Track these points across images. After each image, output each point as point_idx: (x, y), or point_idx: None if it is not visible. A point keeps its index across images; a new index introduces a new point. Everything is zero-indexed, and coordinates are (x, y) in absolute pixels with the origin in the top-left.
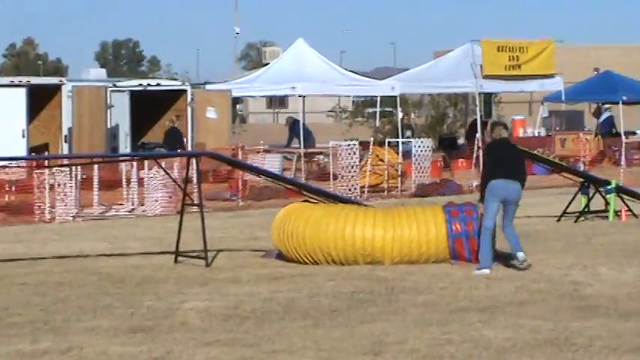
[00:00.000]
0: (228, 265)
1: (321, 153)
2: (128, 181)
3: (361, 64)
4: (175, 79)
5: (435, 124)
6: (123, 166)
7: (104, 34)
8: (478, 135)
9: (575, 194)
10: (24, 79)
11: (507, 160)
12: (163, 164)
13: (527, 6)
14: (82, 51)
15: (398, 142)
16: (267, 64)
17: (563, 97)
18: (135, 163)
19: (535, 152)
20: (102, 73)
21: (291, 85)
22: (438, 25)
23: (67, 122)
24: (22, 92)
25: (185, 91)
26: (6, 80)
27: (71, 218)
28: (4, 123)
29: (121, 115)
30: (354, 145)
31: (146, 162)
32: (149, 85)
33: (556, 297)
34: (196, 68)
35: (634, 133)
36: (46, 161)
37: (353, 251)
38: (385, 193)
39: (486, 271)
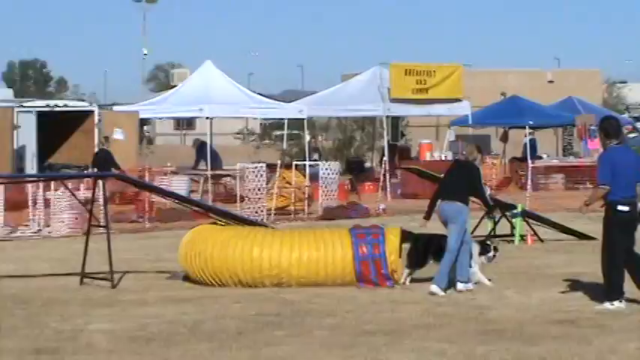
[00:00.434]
0: (135, 286)
1: (228, 175)
2: (34, 202)
3: (269, 87)
4: (83, 100)
5: (342, 147)
6: (29, 187)
7: (11, 54)
8: (385, 158)
9: (482, 218)
10: None
11: (448, 181)
12: (70, 185)
13: (435, 31)
14: None
15: (305, 164)
16: (174, 85)
17: (470, 121)
18: (41, 184)
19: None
20: (9, 93)
21: (199, 107)
22: (346, 48)
23: None
24: None
25: (92, 112)
26: None
27: None
28: None
29: (27, 135)
30: (262, 167)
31: (52, 183)
32: (56, 105)
33: (462, 320)
34: (104, 89)
35: (540, 158)
36: None
37: (259, 273)
38: (292, 215)
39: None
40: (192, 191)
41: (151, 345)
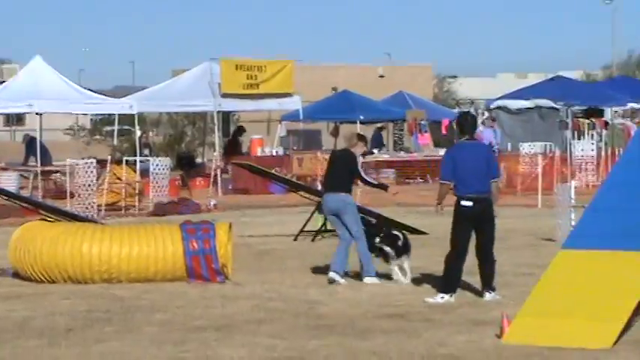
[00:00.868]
0: None
1: (58, 171)
2: None
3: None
4: None
5: (173, 143)
6: None
7: None
8: (215, 154)
9: (312, 213)
10: None
11: (329, 174)
12: None
13: (265, 26)
14: None
15: (136, 160)
16: (3, 81)
17: (301, 116)
18: None
19: (273, 171)
20: None
21: (28, 103)
22: (176, 43)
23: None
24: None
25: None
26: None
27: None
28: None
29: None
30: (92, 163)
31: None
32: None
33: (292, 315)
34: None
35: (371, 153)
36: None
37: (90, 269)
38: (123, 211)
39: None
40: (21, 187)
41: None
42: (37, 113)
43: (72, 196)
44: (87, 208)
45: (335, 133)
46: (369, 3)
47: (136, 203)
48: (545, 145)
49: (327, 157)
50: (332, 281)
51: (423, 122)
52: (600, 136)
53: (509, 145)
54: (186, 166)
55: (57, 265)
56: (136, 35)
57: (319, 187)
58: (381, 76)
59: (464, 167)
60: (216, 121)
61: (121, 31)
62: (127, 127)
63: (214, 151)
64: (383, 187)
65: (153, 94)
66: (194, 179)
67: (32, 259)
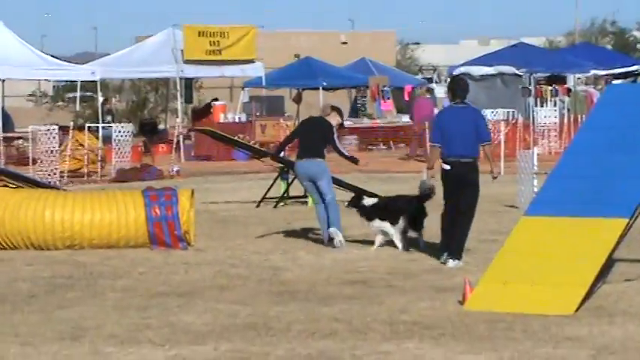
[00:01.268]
0: None
1: (20, 137)
2: None
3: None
4: None
5: (136, 109)
6: None
7: None
8: (178, 120)
9: (275, 180)
10: None
11: (303, 139)
12: None
13: None
14: None
15: (98, 127)
16: None
17: (263, 83)
18: None
19: (236, 138)
20: None
21: None
22: (139, 10)
23: None
24: None
25: None
26: None
27: None
28: None
29: None
30: (54, 129)
31: None
32: None
33: (255, 282)
34: None
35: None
36: None
37: (52, 235)
38: (85, 178)
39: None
40: None
41: None
42: None
43: (34, 162)
44: (49, 174)
45: (298, 99)
46: None
47: (99, 170)
48: (508, 112)
49: (289, 123)
50: (332, 239)
51: (385, 89)
52: (563, 102)
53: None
54: (149, 132)
55: (19, 232)
56: (99, 1)
57: (281, 154)
58: (344, 43)
59: (449, 131)
60: (178, 87)
61: None
62: (89, 94)
63: (177, 117)
64: (354, 160)
65: (115, 60)
66: (156, 146)
67: None
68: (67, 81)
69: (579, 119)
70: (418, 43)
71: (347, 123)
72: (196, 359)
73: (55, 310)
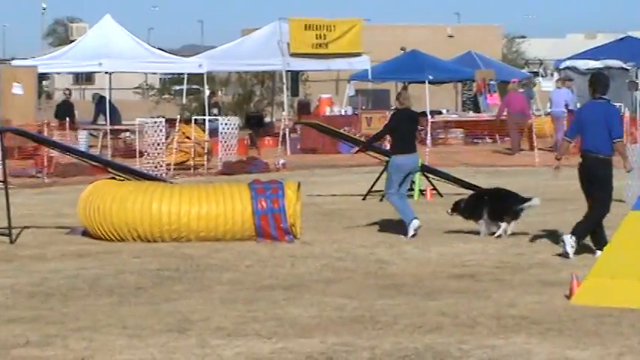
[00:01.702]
0: (34, 242)
1: (127, 130)
2: None
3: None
4: None
5: (242, 102)
6: None
7: None
8: (284, 114)
9: (381, 173)
10: None
11: (406, 132)
12: None
13: None
14: None
15: (205, 119)
16: (74, 40)
17: (370, 76)
18: None
19: (342, 131)
20: None
21: (98, 62)
22: (245, 3)
23: None
24: None
25: None
26: None
27: None
28: None
29: None
30: (161, 122)
31: None
32: None
33: (361, 275)
34: (2, 44)
35: (440, 113)
36: None
37: (159, 227)
38: (191, 170)
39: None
40: (91, 146)
41: (50, 300)
42: (106, 72)
43: (141, 155)
44: (156, 167)
45: None
46: None
47: (205, 162)
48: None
49: None
50: (417, 229)
51: (491, 82)
52: None
53: (578, 105)
54: (255, 125)
55: (126, 224)
56: None
57: (387, 147)
58: (450, 36)
59: (585, 125)
60: (284, 80)
61: None
62: (195, 87)
63: (283, 110)
64: None
65: (222, 53)
66: (263, 138)
67: (102, 218)
68: (173, 74)
69: None
70: (524, 37)
71: (453, 117)
72: (303, 352)
73: (162, 303)
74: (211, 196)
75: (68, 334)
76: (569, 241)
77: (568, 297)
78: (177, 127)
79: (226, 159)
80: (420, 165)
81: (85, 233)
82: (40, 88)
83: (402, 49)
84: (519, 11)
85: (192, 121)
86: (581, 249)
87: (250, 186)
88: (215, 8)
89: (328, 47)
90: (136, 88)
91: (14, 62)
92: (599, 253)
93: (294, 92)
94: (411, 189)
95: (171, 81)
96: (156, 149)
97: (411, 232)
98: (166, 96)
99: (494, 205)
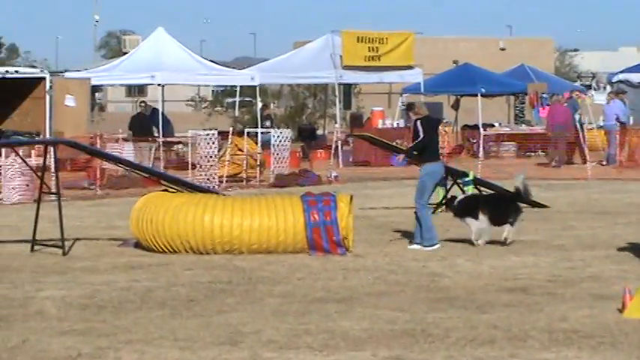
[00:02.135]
0: (86, 254)
1: (180, 142)
2: None
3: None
4: (34, 67)
5: (294, 115)
6: None
7: None
8: (336, 126)
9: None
10: None
11: (435, 141)
12: (21, 152)
13: None
14: None
15: (257, 132)
16: (126, 52)
17: (422, 89)
18: None
19: (394, 143)
20: None
21: (151, 74)
22: (297, 15)
23: None
24: None
25: (44, 78)
26: None
27: None
28: None
29: None
30: (213, 134)
31: (3, 150)
32: (7, 72)
33: (413, 288)
34: (56, 56)
35: (492, 126)
36: None
37: (211, 240)
38: (244, 182)
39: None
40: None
41: (102, 313)
42: (159, 84)
43: (193, 167)
44: (208, 179)
45: (456, 105)
46: None
47: (257, 174)
48: None
49: (447, 129)
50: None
51: (544, 95)
52: None
53: (631, 118)
54: (307, 137)
55: (179, 236)
56: (258, 7)
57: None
58: (502, 49)
59: None
60: (337, 93)
61: (242, 3)
62: (248, 99)
63: (335, 122)
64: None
65: (274, 65)
66: (315, 151)
67: (154, 230)
68: (226, 86)
69: None
70: (577, 50)
71: (505, 129)
72: None
73: (214, 315)
74: (263, 209)
75: (120, 346)
76: None
77: (620, 311)
78: (229, 140)
79: (278, 171)
80: (473, 177)
81: (137, 245)
82: (93, 100)
83: (454, 62)
84: (571, 24)
85: (245, 134)
86: (633, 262)
87: (302, 198)
88: (267, 21)
89: (380, 60)
90: (189, 100)
91: (67, 74)
92: None
93: (347, 105)
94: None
95: (223, 93)
96: (208, 161)
97: (430, 249)
98: (219, 108)
99: (494, 209)
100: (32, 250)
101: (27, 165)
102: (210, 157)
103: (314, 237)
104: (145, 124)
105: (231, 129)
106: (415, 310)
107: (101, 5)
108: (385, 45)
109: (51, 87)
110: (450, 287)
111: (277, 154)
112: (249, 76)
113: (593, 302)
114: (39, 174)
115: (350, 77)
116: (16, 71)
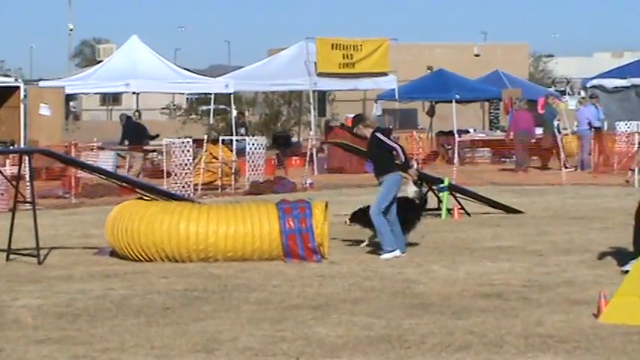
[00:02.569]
0: (61, 262)
1: (154, 150)
2: None
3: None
4: (8, 76)
5: (269, 122)
6: None
7: None
8: (311, 133)
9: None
10: None
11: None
12: None
13: (361, 5)
14: None
15: (232, 139)
16: (101, 61)
17: (396, 96)
18: None
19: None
20: None
21: (125, 82)
22: (272, 23)
23: None
24: None
25: (18, 87)
26: None
27: None
28: None
29: None
30: (188, 142)
31: None
32: None
33: (389, 295)
34: (30, 65)
35: (467, 132)
36: None
37: (187, 247)
38: (219, 190)
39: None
40: (118, 167)
41: (78, 321)
42: (133, 93)
43: (168, 175)
44: (183, 187)
45: (431, 112)
46: None
47: (232, 182)
48: None
49: (422, 136)
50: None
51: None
52: None
53: (605, 124)
54: (282, 145)
55: (154, 244)
56: (232, 14)
57: (415, 166)
58: (477, 55)
59: None
60: (312, 100)
61: (216, 10)
62: (222, 107)
63: (310, 130)
64: None
65: (249, 73)
66: (290, 158)
67: (129, 238)
68: (200, 94)
69: None
70: (551, 56)
71: (480, 135)
72: None
73: (190, 323)
74: (239, 216)
75: (96, 354)
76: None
77: (596, 315)
78: (204, 148)
79: (253, 179)
80: (448, 184)
81: (113, 254)
82: (67, 109)
83: (428, 68)
84: (546, 30)
85: (220, 141)
86: (608, 266)
87: (278, 206)
88: (242, 28)
89: (355, 67)
90: (163, 108)
91: (41, 83)
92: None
93: (321, 112)
94: (439, 208)
95: (198, 101)
96: (183, 169)
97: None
98: (193, 116)
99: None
100: (7, 259)
101: (1, 174)
102: (185, 165)
103: (289, 244)
104: (139, 132)
105: (206, 137)
106: (391, 316)
107: (75, 14)
108: (360, 52)
109: (25, 96)
110: (426, 293)
111: (252, 162)
112: (224, 84)
113: (569, 307)
114: (14, 183)
115: (324, 84)
116: None
